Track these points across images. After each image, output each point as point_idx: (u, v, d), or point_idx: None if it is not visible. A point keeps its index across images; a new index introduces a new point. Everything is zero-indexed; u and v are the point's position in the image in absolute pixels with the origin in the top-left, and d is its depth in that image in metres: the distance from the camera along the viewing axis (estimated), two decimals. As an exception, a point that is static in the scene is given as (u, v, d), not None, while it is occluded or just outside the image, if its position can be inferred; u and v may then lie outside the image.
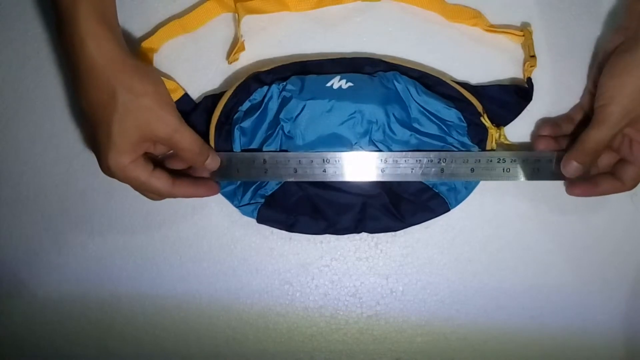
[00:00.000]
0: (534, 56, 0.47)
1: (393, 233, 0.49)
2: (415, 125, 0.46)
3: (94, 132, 0.41)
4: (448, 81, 0.46)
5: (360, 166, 0.45)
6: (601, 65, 0.43)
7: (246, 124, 0.46)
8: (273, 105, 0.46)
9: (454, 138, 0.46)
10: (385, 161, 0.45)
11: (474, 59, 0.49)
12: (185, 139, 0.42)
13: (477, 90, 0.47)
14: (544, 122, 0.48)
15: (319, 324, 0.50)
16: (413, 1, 0.49)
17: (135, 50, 0.48)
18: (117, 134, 0.40)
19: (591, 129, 0.42)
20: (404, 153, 0.45)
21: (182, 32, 0.49)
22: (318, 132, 0.46)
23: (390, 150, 0.46)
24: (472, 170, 0.45)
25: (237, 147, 0.46)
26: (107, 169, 0.41)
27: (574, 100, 0.49)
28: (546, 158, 0.45)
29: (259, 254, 0.50)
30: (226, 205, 0.48)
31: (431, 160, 0.45)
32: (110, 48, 0.39)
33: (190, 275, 0.50)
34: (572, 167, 0.43)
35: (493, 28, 0.48)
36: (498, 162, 0.45)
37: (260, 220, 0.47)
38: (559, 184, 0.48)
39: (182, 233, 0.50)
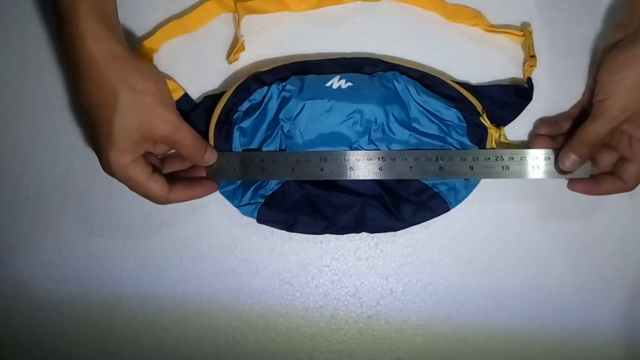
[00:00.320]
0: (534, 56, 0.47)
1: (393, 233, 0.49)
2: (415, 125, 0.46)
3: (95, 130, 0.41)
4: (448, 81, 0.46)
5: (358, 165, 0.45)
6: (601, 62, 0.43)
7: (246, 124, 0.46)
8: (273, 105, 0.46)
9: (453, 138, 0.46)
10: (383, 159, 0.45)
11: (474, 59, 0.49)
12: (186, 136, 0.43)
13: (477, 90, 0.47)
14: (541, 121, 0.48)
15: (319, 324, 0.50)
16: (413, 1, 0.49)
17: (136, 50, 0.48)
18: (118, 133, 0.40)
19: (589, 122, 0.42)
20: (401, 151, 0.45)
21: (182, 32, 0.49)
22: (317, 132, 0.46)
23: (389, 149, 0.46)
24: (471, 168, 0.45)
25: (236, 147, 0.46)
26: (107, 168, 0.41)
27: (574, 100, 0.49)
28: (545, 156, 0.45)
29: (259, 254, 0.50)
30: (226, 205, 0.48)
31: (429, 159, 0.45)
32: (111, 46, 0.40)
33: (190, 275, 0.50)
34: (569, 159, 0.43)
35: (493, 28, 0.48)
36: (496, 160, 0.45)
37: (260, 220, 0.47)
38: (559, 184, 0.48)
39: (182, 233, 0.50)
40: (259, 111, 0.46)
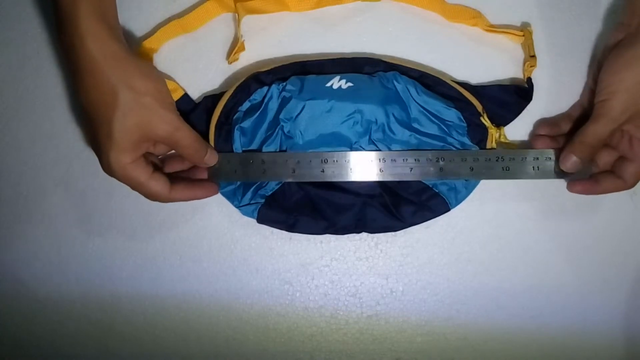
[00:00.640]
0: (534, 56, 0.47)
1: (393, 233, 0.49)
2: (415, 125, 0.46)
3: (95, 131, 0.41)
4: (448, 81, 0.46)
5: (359, 166, 0.45)
6: (601, 62, 0.43)
7: (246, 124, 0.46)
8: (273, 106, 0.46)
9: (453, 138, 0.46)
10: (384, 160, 0.45)
11: (474, 59, 0.49)
12: (186, 136, 0.42)
13: (477, 90, 0.47)
14: (542, 121, 0.48)
15: (319, 324, 0.50)
16: (413, 1, 0.49)
17: (136, 50, 0.48)
18: (118, 133, 0.40)
19: (591, 123, 0.42)
20: (402, 152, 0.45)
21: (182, 32, 0.49)
22: (318, 132, 0.46)
23: (389, 149, 0.46)
24: (472, 169, 0.45)
25: (237, 147, 0.46)
26: (107, 168, 0.41)
27: (574, 100, 0.49)
28: (545, 156, 0.45)
29: (259, 254, 0.50)
30: (226, 205, 0.48)
31: (430, 160, 0.45)
32: (111, 46, 0.40)
33: (190, 275, 0.50)
34: (570, 161, 0.43)
35: (493, 28, 0.48)
36: (497, 160, 0.45)
37: (261, 220, 0.47)
38: (559, 184, 0.48)
39: (182, 233, 0.50)
40: (259, 111, 0.46)
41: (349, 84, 0.46)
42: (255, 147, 0.47)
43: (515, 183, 0.49)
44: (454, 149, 0.46)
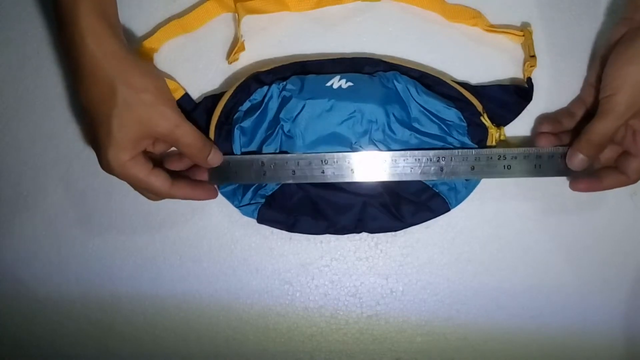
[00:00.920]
0: (534, 56, 0.47)
1: (393, 233, 0.49)
2: (415, 125, 0.46)
3: (94, 128, 0.41)
4: (448, 81, 0.46)
5: (360, 166, 0.45)
6: (604, 58, 0.43)
7: (246, 123, 0.46)
8: (273, 105, 0.46)
9: (454, 138, 0.46)
10: (385, 161, 0.45)
11: (474, 59, 0.49)
12: (187, 134, 0.42)
13: (477, 90, 0.47)
14: (543, 119, 0.47)
15: (319, 324, 0.50)
16: (413, 1, 0.49)
17: (136, 50, 0.48)
18: (117, 130, 0.39)
19: (597, 121, 0.42)
20: (402, 152, 0.45)
21: (182, 32, 0.49)
22: (318, 132, 0.46)
23: (389, 149, 0.46)
24: (472, 168, 0.45)
25: (237, 146, 0.46)
26: (106, 166, 0.41)
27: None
28: (548, 154, 0.45)
29: (259, 254, 0.50)
30: (226, 205, 0.48)
31: (430, 159, 0.45)
32: (111, 44, 0.40)
33: (190, 275, 0.50)
34: (577, 159, 0.43)
35: (493, 28, 0.48)
36: (499, 159, 0.45)
37: (261, 220, 0.47)
38: (559, 184, 0.48)
39: (182, 233, 0.50)
40: (259, 111, 0.46)
41: (349, 83, 0.46)
42: (255, 146, 0.47)
43: (516, 183, 0.49)
44: (454, 148, 0.46)
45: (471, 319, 0.49)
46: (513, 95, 0.47)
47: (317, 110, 0.45)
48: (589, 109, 0.44)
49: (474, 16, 0.48)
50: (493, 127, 0.46)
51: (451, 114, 0.46)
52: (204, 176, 0.46)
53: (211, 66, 0.49)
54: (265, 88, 0.46)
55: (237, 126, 0.46)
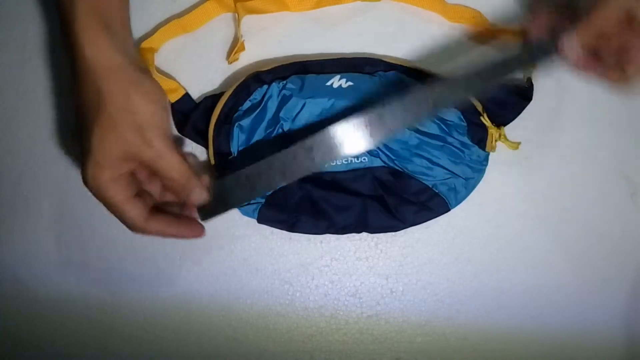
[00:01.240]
0: (534, 56, 0.47)
1: (393, 233, 0.49)
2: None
3: (80, 134, 0.38)
4: (448, 81, 0.46)
5: (346, 139, 0.41)
6: None
7: (245, 122, 0.46)
8: (272, 104, 0.46)
9: (454, 137, 0.46)
10: (370, 123, 0.41)
11: (473, 58, 0.49)
12: (171, 168, 0.38)
13: (477, 90, 0.47)
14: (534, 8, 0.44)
15: (319, 324, 0.50)
16: (413, 1, 0.49)
17: (136, 50, 0.48)
18: (97, 144, 0.37)
19: (599, 5, 0.38)
20: (385, 105, 0.41)
21: (182, 32, 0.49)
22: (318, 131, 0.46)
23: (390, 150, 0.46)
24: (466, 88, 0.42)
25: (235, 146, 0.46)
26: (83, 179, 0.38)
27: (574, 100, 0.49)
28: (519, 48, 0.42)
29: (259, 254, 0.50)
30: (226, 205, 0.48)
31: (419, 100, 0.41)
32: (111, 57, 0.37)
33: (190, 275, 0.50)
34: (571, 44, 0.39)
35: (493, 28, 0.48)
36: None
37: (261, 220, 0.47)
38: (559, 184, 0.48)
39: (182, 233, 0.50)
40: (258, 109, 0.46)
41: (349, 83, 0.46)
42: (255, 145, 0.46)
43: (516, 183, 0.49)
44: (454, 148, 0.46)
45: (471, 319, 0.49)
46: (513, 95, 0.47)
47: (317, 110, 0.45)
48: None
49: (474, 16, 0.48)
50: (493, 127, 0.46)
51: (451, 114, 0.46)
52: (194, 212, 0.42)
53: (211, 66, 0.49)
54: (265, 87, 0.46)
55: (236, 124, 0.46)
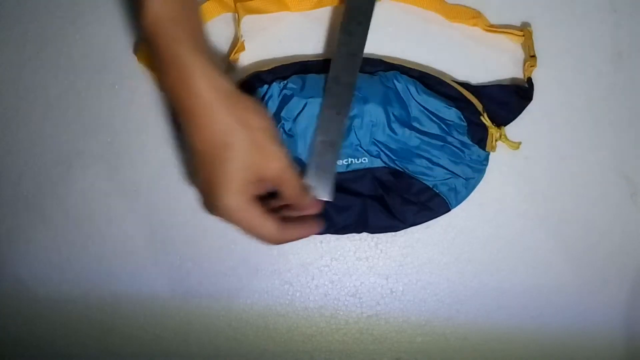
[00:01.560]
0: (534, 56, 0.47)
1: (393, 233, 0.49)
2: (415, 124, 0.46)
3: (209, 171, 0.38)
4: (448, 81, 0.46)
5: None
6: None
7: (246, 123, 0.46)
8: (273, 104, 0.46)
9: (454, 137, 0.46)
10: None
11: (474, 59, 0.49)
12: (294, 175, 0.40)
13: (478, 90, 0.47)
14: None
15: (319, 324, 0.50)
16: (413, 1, 0.49)
17: (136, 50, 0.48)
18: (235, 172, 0.37)
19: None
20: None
21: (182, 32, 0.49)
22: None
23: (391, 150, 0.46)
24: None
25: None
26: (222, 209, 0.38)
27: (574, 100, 0.49)
28: None
29: (259, 254, 0.50)
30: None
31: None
32: (219, 82, 0.37)
33: (190, 275, 0.50)
34: None
35: (493, 28, 0.48)
36: None
37: (261, 220, 0.46)
38: (559, 184, 0.48)
39: (182, 233, 0.50)
40: (259, 110, 0.46)
41: (350, 83, 0.46)
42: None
43: (516, 183, 0.49)
44: (454, 148, 0.46)
45: (471, 319, 0.49)
46: (513, 95, 0.47)
47: (318, 109, 0.45)
48: None
49: (474, 16, 0.48)
50: (493, 126, 0.46)
51: (451, 114, 0.46)
52: (314, 209, 0.43)
53: (211, 66, 0.49)
54: (266, 87, 0.46)
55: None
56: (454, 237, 0.49)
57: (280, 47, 0.49)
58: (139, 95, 0.49)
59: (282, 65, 0.47)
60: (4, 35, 0.51)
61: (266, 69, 0.46)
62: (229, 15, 0.49)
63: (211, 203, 0.39)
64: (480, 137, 0.46)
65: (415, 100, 0.46)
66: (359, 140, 0.46)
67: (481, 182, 0.47)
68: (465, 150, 0.46)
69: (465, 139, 0.46)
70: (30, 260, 0.50)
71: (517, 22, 0.49)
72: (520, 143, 0.47)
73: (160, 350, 0.50)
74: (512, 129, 0.47)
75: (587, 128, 0.49)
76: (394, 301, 0.50)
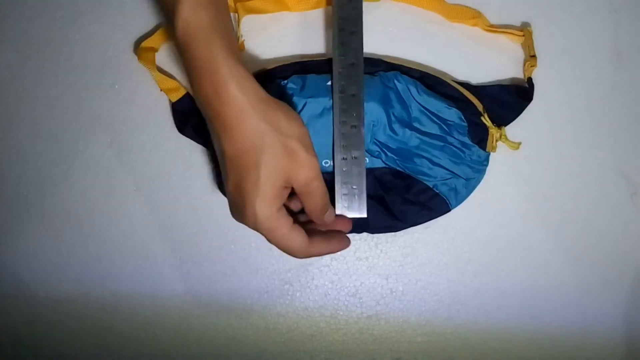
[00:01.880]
0: (534, 56, 0.47)
1: (393, 233, 0.49)
2: (416, 124, 0.46)
3: (241, 178, 0.38)
4: (448, 81, 0.46)
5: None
6: None
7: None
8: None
9: (454, 137, 0.46)
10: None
11: (474, 59, 0.49)
12: (321, 186, 0.40)
13: (478, 90, 0.47)
14: None
15: (319, 324, 0.50)
16: (413, 1, 0.49)
17: (136, 50, 0.48)
18: (266, 179, 0.37)
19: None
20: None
21: (182, 32, 0.49)
22: (319, 131, 0.46)
23: (391, 150, 0.46)
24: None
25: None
26: (251, 217, 0.38)
27: (574, 100, 0.49)
28: None
29: (259, 254, 0.50)
30: (227, 205, 0.48)
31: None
32: (254, 88, 0.37)
33: (190, 275, 0.50)
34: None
35: (493, 28, 0.48)
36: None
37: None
38: (559, 184, 0.48)
39: (182, 233, 0.50)
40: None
41: (350, 83, 0.46)
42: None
43: (516, 183, 0.49)
44: (454, 148, 0.46)
45: (471, 319, 0.49)
46: (513, 95, 0.47)
47: (318, 109, 0.45)
48: None
49: (474, 16, 0.48)
50: (494, 127, 0.46)
51: (452, 114, 0.46)
52: (347, 227, 0.44)
53: (211, 66, 0.49)
54: (269, 85, 0.46)
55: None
56: (454, 237, 0.49)
57: (280, 47, 0.49)
58: (139, 95, 0.49)
59: (282, 65, 0.47)
60: (4, 35, 0.51)
61: (266, 69, 0.46)
62: (229, 15, 0.49)
63: (240, 210, 0.38)
64: (480, 138, 0.46)
65: (416, 101, 0.46)
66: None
67: (481, 182, 0.47)
68: (466, 150, 0.46)
69: (466, 139, 0.46)
70: (30, 260, 0.50)
71: (517, 22, 0.49)
72: (520, 143, 0.47)
73: (160, 350, 0.50)
74: (512, 129, 0.47)
75: (587, 128, 0.49)
76: (394, 301, 0.50)
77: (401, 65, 0.47)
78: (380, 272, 0.49)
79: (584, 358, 0.49)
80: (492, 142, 0.46)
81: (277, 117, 0.38)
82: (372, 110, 0.45)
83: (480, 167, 0.47)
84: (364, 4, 0.49)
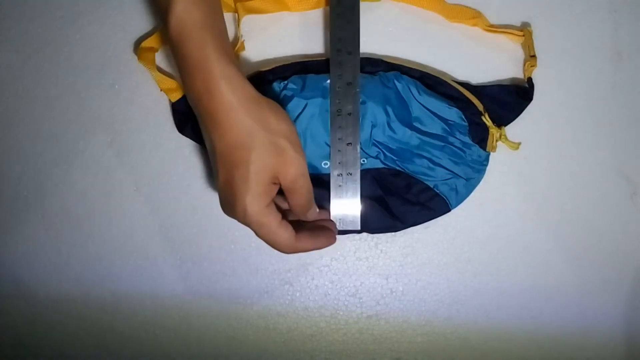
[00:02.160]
0: (534, 56, 0.47)
1: (393, 233, 0.49)
2: (416, 124, 0.46)
3: (231, 174, 0.38)
4: (449, 81, 0.46)
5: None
6: None
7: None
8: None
9: (455, 137, 0.46)
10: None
11: (474, 59, 0.49)
12: (307, 184, 0.41)
13: (478, 90, 0.47)
14: None
15: (319, 324, 0.50)
16: (413, 1, 0.49)
17: (135, 50, 0.48)
18: (254, 175, 0.38)
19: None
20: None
21: (182, 32, 0.49)
22: (320, 131, 0.46)
23: (391, 151, 0.46)
24: None
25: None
26: (241, 212, 0.38)
27: (574, 100, 0.49)
28: None
29: (259, 254, 0.50)
30: (226, 205, 0.48)
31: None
32: (244, 88, 0.38)
33: (190, 275, 0.50)
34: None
35: (493, 28, 0.48)
36: None
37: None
38: (559, 184, 0.48)
39: (182, 233, 0.50)
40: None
41: (350, 83, 0.46)
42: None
43: (516, 183, 0.49)
44: (454, 148, 0.46)
45: (471, 319, 0.49)
46: (514, 95, 0.47)
47: (318, 110, 0.45)
48: None
49: (474, 16, 0.48)
50: (494, 126, 0.46)
51: (452, 114, 0.46)
52: (330, 223, 0.45)
53: (211, 66, 0.49)
54: (266, 87, 0.46)
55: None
56: (454, 237, 0.49)
57: (280, 47, 0.49)
58: (139, 95, 0.49)
59: (282, 65, 0.47)
60: (4, 35, 0.51)
61: (266, 69, 0.46)
62: (229, 15, 0.49)
63: (230, 205, 0.39)
64: (481, 137, 0.46)
65: (417, 101, 0.46)
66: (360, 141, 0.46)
67: (481, 182, 0.47)
68: (466, 150, 0.46)
69: (467, 139, 0.46)
70: (30, 260, 0.50)
71: (517, 22, 0.49)
72: (520, 143, 0.47)
73: (160, 350, 0.50)
74: (512, 129, 0.47)
75: (587, 128, 0.49)
76: (394, 301, 0.50)
77: (401, 65, 0.47)
78: (380, 272, 0.49)
79: (584, 358, 0.49)
80: (493, 142, 0.46)
81: (266, 115, 0.38)
82: (372, 111, 0.45)
83: (480, 167, 0.47)
84: (364, 3, 0.49)
